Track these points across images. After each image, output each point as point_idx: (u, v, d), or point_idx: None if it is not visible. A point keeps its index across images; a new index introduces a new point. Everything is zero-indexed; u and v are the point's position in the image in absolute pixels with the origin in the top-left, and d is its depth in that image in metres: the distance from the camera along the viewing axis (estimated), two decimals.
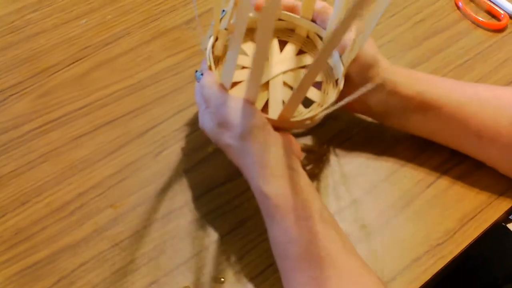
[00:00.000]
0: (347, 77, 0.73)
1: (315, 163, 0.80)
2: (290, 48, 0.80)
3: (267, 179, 0.63)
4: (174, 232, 0.73)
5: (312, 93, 0.76)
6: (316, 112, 0.69)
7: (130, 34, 0.94)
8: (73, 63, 0.89)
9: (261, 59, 0.58)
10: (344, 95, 0.68)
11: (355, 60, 0.71)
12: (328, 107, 0.69)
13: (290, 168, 0.64)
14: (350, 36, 0.72)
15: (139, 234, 0.72)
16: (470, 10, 1.01)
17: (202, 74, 0.68)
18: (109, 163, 0.78)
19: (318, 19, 0.77)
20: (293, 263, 0.61)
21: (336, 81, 0.74)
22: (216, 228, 0.73)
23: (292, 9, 0.79)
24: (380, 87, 0.74)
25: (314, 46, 0.80)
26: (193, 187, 0.76)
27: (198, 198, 0.76)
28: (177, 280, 0.69)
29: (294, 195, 0.63)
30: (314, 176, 0.78)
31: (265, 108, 0.73)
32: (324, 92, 0.76)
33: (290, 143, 0.66)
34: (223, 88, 0.65)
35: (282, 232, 0.61)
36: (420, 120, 0.76)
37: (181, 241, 0.72)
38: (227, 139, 0.65)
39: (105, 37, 0.93)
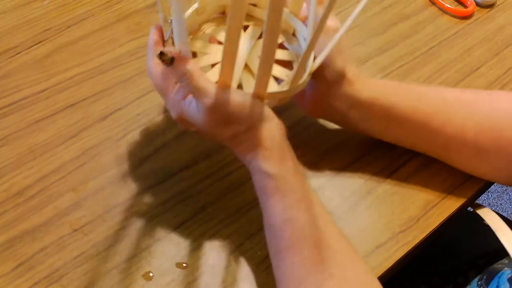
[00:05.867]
0: (316, 83, 0.73)
1: None
2: (252, 29, 0.78)
3: (269, 160, 0.62)
4: (136, 217, 0.72)
5: (283, 72, 0.75)
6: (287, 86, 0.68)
7: (93, 16, 0.92)
8: (34, 45, 0.87)
9: (235, 40, 0.57)
10: (311, 100, 0.74)
11: (322, 72, 0.71)
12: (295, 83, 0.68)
13: (289, 151, 0.64)
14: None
15: (101, 218, 0.71)
16: None
17: (173, 59, 0.62)
18: (70, 147, 0.77)
19: None
20: (288, 242, 0.61)
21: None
22: (179, 214, 0.72)
23: None
24: (344, 99, 0.73)
25: (249, 16, 0.79)
26: (155, 172, 0.76)
27: (160, 183, 0.75)
28: (139, 266, 0.68)
29: (293, 177, 0.63)
30: None
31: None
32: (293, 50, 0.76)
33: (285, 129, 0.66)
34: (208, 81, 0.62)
35: (280, 211, 0.62)
36: (384, 131, 0.77)
37: (143, 227, 0.71)
38: (231, 131, 0.63)
39: (67, 19, 0.91)
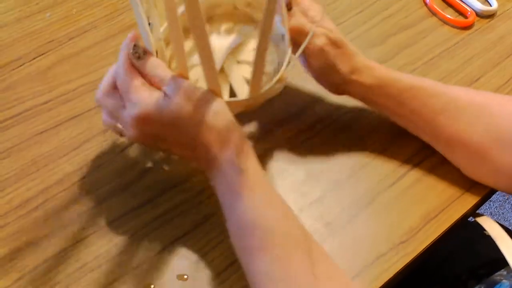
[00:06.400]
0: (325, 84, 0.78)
1: (280, 160, 0.80)
2: (239, 29, 0.81)
3: (240, 155, 0.63)
4: (138, 229, 0.72)
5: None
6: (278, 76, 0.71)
7: (95, 28, 0.93)
8: (37, 57, 0.88)
9: (178, 33, 0.61)
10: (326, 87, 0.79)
11: (330, 75, 0.76)
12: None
13: (251, 148, 0.65)
14: None
15: (103, 230, 0.72)
16: (437, 6, 1.01)
17: (145, 51, 0.66)
18: (73, 159, 0.78)
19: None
20: (259, 241, 0.61)
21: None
22: (180, 225, 0.73)
23: None
24: (356, 94, 0.79)
25: (246, 16, 0.81)
26: (157, 183, 0.76)
27: (162, 194, 0.75)
28: (140, 278, 0.68)
29: (261, 173, 0.64)
30: (280, 173, 0.78)
31: None
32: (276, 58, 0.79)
33: None
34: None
35: (250, 210, 0.62)
36: (394, 119, 0.80)
37: (145, 238, 0.71)
38: (198, 115, 0.64)
39: (70, 31, 0.92)
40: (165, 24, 0.74)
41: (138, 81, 0.65)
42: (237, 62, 0.78)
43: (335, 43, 0.75)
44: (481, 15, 1.01)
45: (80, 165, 0.77)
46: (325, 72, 0.77)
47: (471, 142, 0.74)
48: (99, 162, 0.78)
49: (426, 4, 1.02)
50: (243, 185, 0.62)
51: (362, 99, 0.80)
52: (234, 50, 0.79)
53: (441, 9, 1.01)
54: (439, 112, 0.75)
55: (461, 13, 1.02)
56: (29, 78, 0.85)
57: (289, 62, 0.72)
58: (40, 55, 0.88)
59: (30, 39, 0.90)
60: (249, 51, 0.78)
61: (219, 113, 0.64)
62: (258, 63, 0.65)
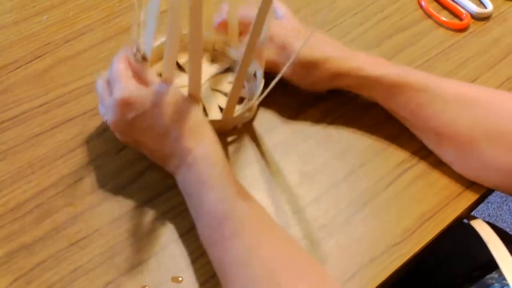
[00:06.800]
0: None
1: (276, 162, 0.80)
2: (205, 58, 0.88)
3: (215, 148, 0.67)
4: (133, 231, 0.72)
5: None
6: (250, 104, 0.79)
7: (91, 31, 0.93)
8: (33, 60, 0.88)
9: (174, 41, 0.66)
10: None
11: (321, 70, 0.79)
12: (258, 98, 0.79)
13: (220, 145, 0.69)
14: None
15: (98, 233, 0.72)
16: (432, 9, 1.01)
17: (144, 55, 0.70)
18: (68, 161, 0.78)
19: None
20: (231, 230, 0.62)
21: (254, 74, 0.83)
22: (175, 227, 0.73)
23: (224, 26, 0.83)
24: (349, 88, 0.82)
25: (223, 55, 0.87)
26: (152, 185, 0.76)
27: (157, 196, 0.75)
28: (135, 280, 0.69)
29: (229, 169, 0.67)
30: (276, 175, 0.78)
31: None
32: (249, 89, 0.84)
33: None
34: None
35: (222, 201, 0.64)
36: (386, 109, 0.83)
37: (140, 240, 0.72)
38: (179, 112, 0.68)
39: (66, 33, 0.92)
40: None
41: (128, 73, 0.69)
42: (212, 90, 0.83)
43: (304, 66, 0.78)
44: (476, 18, 1.02)
45: (76, 168, 0.77)
46: (309, 84, 0.82)
47: (458, 135, 0.75)
48: (95, 165, 0.78)
49: (421, 6, 1.02)
50: (215, 178, 0.65)
51: (354, 93, 0.83)
52: (211, 80, 0.85)
53: (437, 11, 1.01)
54: (426, 106, 0.76)
55: (456, 15, 1.02)
56: (26, 81, 0.86)
57: (260, 95, 0.79)
58: (36, 58, 0.89)
59: (27, 41, 0.91)
60: (224, 83, 0.85)
61: (197, 111, 0.68)
62: (235, 90, 0.72)
